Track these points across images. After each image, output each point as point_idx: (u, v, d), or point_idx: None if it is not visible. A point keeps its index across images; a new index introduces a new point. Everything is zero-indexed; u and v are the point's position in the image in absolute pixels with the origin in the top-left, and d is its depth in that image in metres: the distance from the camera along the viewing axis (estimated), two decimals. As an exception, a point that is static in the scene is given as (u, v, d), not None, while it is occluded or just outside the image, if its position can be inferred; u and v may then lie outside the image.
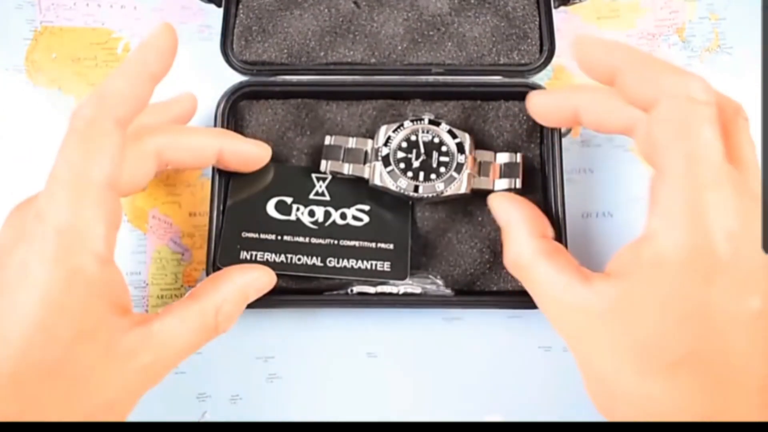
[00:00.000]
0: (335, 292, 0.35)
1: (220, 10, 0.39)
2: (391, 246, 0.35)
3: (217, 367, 0.36)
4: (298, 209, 0.35)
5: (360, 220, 0.35)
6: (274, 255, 0.34)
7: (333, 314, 0.37)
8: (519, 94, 0.38)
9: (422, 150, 0.35)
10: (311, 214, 0.35)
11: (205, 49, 0.40)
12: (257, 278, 0.31)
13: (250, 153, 0.34)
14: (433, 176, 0.35)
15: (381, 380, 0.36)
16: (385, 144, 0.35)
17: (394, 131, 0.35)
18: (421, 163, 0.35)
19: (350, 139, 0.36)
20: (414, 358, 0.36)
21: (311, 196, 0.35)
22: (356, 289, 0.35)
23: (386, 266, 0.34)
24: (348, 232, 0.35)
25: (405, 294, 0.35)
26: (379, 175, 0.35)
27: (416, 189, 0.34)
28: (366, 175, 0.35)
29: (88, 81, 0.40)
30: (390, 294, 0.35)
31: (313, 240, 0.34)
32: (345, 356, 0.36)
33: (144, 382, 0.26)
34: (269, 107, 0.38)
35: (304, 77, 0.38)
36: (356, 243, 0.35)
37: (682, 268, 0.21)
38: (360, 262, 0.34)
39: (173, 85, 0.40)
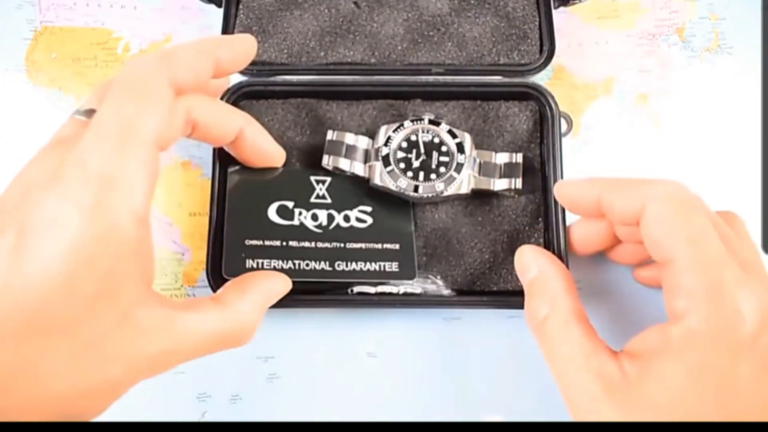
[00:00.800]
0: (335, 292, 0.35)
1: (220, 11, 0.39)
2: (397, 246, 0.35)
3: (217, 367, 0.36)
4: (300, 213, 0.35)
5: (363, 221, 0.35)
6: (281, 262, 0.34)
7: (333, 314, 0.37)
8: (519, 94, 0.38)
9: (422, 150, 0.35)
10: (314, 217, 0.35)
11: (205, 49, 0.40)
12: (281, 286, 0.31)
13: (267, 149, 0.33)
14: (433, 176, 0.35)
15: (381, 380, 0.36)
16: (386, 144, 0.35)
17: (394, 131, 0.35)
18: (421, 163, 0.35)
19: (351, 135, 0.36)
20: (414, 358, 0.36)
21: (312, 200, 0.35)
22: (356, 289, 0.35)
23: (394, 266, 0.34)
24: (353, 234, 0.35)
25: (405, 294, 0.35)
26: (379, 175, 0.35)
27: (416, 189, 0.34)
28: (366, 175, 0.35)
29: (88, 81, 0.40)
30: (390, 294, 0.35)
31: (319, 244, 0.34)
32: (345, 356, 0.36)
33: (150, 367, 0.25)
34: (269, 107, 0.38)
35: (304, 77, 0.38)
36: (362, 245, 0.35)
37: (712, 343, 0.22)
38: (368, 264, 0.34)
39: (173, 85, 0.40)
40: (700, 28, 0.41)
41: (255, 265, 0.34)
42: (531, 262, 0.28)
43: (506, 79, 0.38)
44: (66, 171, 0.22)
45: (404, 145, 0.35)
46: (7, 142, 0.39)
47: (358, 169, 0.35)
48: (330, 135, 0.36)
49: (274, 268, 0.34)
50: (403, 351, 0.37)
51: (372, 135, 0.36)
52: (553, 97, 0.37)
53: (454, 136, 0.35)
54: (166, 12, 0.41)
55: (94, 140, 0.22)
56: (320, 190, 0.35)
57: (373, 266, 0.34)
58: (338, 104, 0.38)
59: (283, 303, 0.35)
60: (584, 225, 0.32)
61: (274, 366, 0.36)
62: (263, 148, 0.33)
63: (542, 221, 0.36)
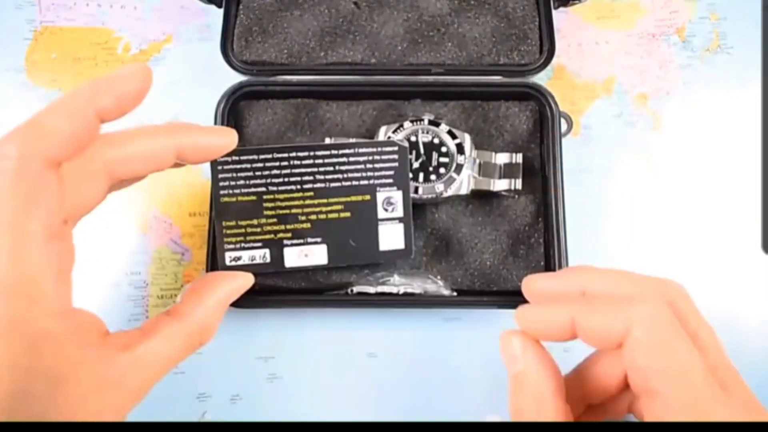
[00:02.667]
0: (335, 292, 0.35)
1: (220, 11, 0.39)
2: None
3: (217, 367, 0.36)
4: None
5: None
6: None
7: (333, 314, 0.37)
8: (519, 94, 0.38)
9: (422, 151, 0.35)
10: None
11: (205, 49, 0.40)
12: (240, 286, 0.29)
13: (212, 144, 0.28)
14: (432, 177, 0.35)
15: (381, 380, 0.36)
16: (385, 144, 0.35)
17: (394, 132, 0.35)
18: (421, 164, 0.35)
19: (350, 140, 0.36)
20: (414, 358, 0.36)
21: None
22: (356, 289, 0.35)
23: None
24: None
25: (405, 294, 0.35)
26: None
27: (416, 190, 0.34)
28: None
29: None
30: (390, 294, 0.35)
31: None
32: (345, 356, 0.36)
33: (131, 401, 0.25)
34: (269, 107, 0.38)
35: (304, 77, 0.38)
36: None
37: None
38: None
39: (173, 86, 0.40)
40: (700, 28, 0.41)
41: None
42: (517, 354, 0.24)
43: (506, 79, 0.38)
44: None
45: (404, 145, 0.35)
46: (7, 142, 0.39)
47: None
48: (328, 141, 0.36)
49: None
50: (403, 351, 0.37)
51: (372, 135, 0.36)
52: (553, 97, 0.37)
53: (453, 136, 0.35)
54: (166, 12, 0.41)
55: None
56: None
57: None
58: (338, 104, 0.38)
59: (283, 303, 0.35)
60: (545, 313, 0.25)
61: (274, 366, 0.36)
62: (210, 147, 0.28)
63: (542, 221, 0.36)
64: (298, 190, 0.32)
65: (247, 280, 0.29)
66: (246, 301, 0.34)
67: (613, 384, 0.24)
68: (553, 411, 0.23)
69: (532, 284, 0.26)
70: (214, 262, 0.34)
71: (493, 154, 0.36)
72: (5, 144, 0.20)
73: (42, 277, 0.21)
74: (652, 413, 0.22)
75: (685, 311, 0.23)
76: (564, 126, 0.38)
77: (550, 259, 0.35)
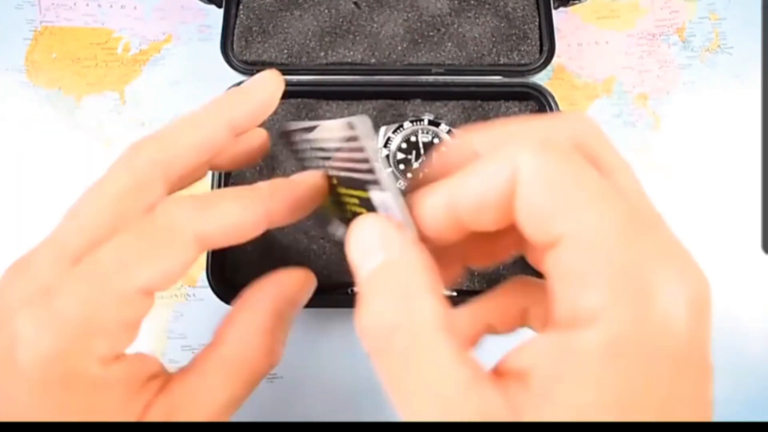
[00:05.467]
0: (335, 292, 0.35)
1: (220, 11, 0.39)
2: None
3: (217, 367, 0.36)
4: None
5: None
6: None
7: (333, 314, 0.37)
8: (519, 94, 0.38)
9: (422, 151, 0.35)
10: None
11: (205, 49, 0.40)
12: (295, 287, 0.24)
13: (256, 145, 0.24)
14: (433, 177, 0.35)
15: (381, 380, 0.36)
16: (385, 145, 0.35)
17: (393, 132, 0.35)
18: (421, 164, 0.35)
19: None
20: (414, 358, 0.36)
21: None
22: (356, 289, 0.35)
23: None
24: None
25: (405, 294, 0.35)
26: (379, 176, 0.35)
27: (416, 189, 0.34)
28: (366, 176, 0.35)
29: (88, 81, 0.40)
30: (390, 294, 0.35)
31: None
32: (345, 356, 0.36)
33: None
34: (269, 107, 0.38)
35: (304, 77, 0.38)
36: None
37: (648, 355, 0.15)
38: None
39: (173, 86, 0.40)
40: (700, 28, 0.41)
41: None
42: (375, 243, 0.18)
43: (506, 79, 0.38)
44: (28, 315, 0.18)
45: (404, 146, 0.35)
46: (7, 141, 0.39)
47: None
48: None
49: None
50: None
51: (372, 135, 0.36)
52: (553, 97, 0.37)
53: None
54: (166, 12, 0.41)
55: (75, 281, 0.18)
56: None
57: None
58: (338, 104, 0.38)
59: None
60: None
61: (274, 366, 0.36)
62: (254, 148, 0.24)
63: (542, 221, 0.36)
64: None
65: (300, 280, 0.23)
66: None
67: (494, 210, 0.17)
68: (432, 316, 0.16)
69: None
70: (215, 263, 0.35)
71: (493, 154, 0.36)
72: (134, 154, 0.19)
73: (110, 324, 0.18)
74: (559, 270, 0.16)
75: (596, 148, 0.18)
76: (564, 126, 0.38)
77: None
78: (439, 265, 0.18)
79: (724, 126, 0.40)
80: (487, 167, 0.16)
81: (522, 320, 0.20)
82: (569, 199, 0.15)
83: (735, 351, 0.36)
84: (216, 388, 0.21)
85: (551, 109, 0.36)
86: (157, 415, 0.19)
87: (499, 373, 0.16)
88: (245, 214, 0.20)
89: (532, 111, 0.38)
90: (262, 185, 0.22)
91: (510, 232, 0.17)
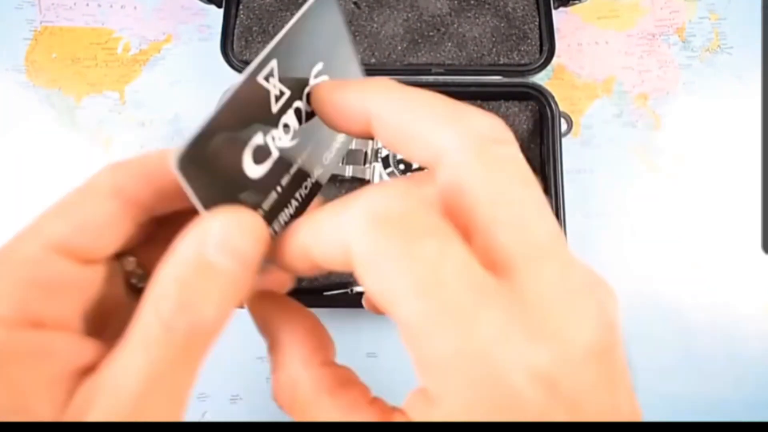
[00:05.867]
0: (335, 292, 0.35)
1: (220, 11, 0.39)
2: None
3: (217, 367, 0.36)
4: (272, 138, 0.21)
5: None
6: (287, 209, 0.22)
7: (333, 314, 0.37)
8: (519, 94, 0.38)
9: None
10: (286, 128, 0.21)
11: (205, 49, 0.40)
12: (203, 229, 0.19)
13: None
14: (433, 176, 0.35)
15: (381, 380, 0.36)
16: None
17: (394, 131, 0.35)
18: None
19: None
20: (414, 358, 0.36)
21: (274, 108, 0.21)
22: (356, 288, 0.35)
23: None
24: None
25: (405, 294, 0.35)
26: (378, 177, 0.35)
27: (416, 189, 0.34)
28: (366, 176, 0.35)
29: (88, 81, 0.40)
30: (390, 294, 0.35)
31: (305, 152, 0.22)
32: (345, 356, 0.36)
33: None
34: (269, 107, 0.38)
35: (304, 77, 0.38)
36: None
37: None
38: None
39: (173, 86, 0.40)
40: (700, 28, 0.41)
41: (275, 230, 0.22)
42: (262, 326, 0.20)
43: (506, 79, 0.38)
44: None
45: (404, 145, 0.35)
46: (7, 141, 0.39)
47: (358, 173, 0.35)
48: None
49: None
50: (403, 351, 0.37)
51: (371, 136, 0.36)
52: (553, 97, 0.37)
53: (454, 136, 0.35)
54: (166, 12, 0.41)
55: None
56: (275, 86, 0.21)
57: None
58: (338, 104, 0.38)
59: (283, 303, 0.35)
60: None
61: (274, 366, 0.36)
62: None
63: (542, 221, 0.36)
64: None
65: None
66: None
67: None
68: (317, 377, 0.18)
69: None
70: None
71: (493, 154, 0.36)
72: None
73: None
74: (412, 353, 0.15)
75: (491, 157, 0.16)
76: (564, 126, 0.38)
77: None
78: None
79: (724, 126, 0.40)
80: (329, 239, 0.16)
81: None
82: (396, 286, 0.14)
83: (735, 351, 0.36)
84: (143, 365, 0.18)
85: (551, 109, 0.36)
86: (77, 405, 0.17)
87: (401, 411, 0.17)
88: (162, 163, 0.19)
89: (532, 111, 0.38)
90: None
91: None
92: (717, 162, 0.39)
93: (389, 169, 0.35)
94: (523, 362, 0.14)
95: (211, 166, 0.20)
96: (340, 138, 0.22)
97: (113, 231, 0.19)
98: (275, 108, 0.21)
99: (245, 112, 0.21)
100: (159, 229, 0.21)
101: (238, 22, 0.38)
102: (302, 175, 0.23)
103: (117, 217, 0.19)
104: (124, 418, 0.17)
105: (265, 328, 0.19)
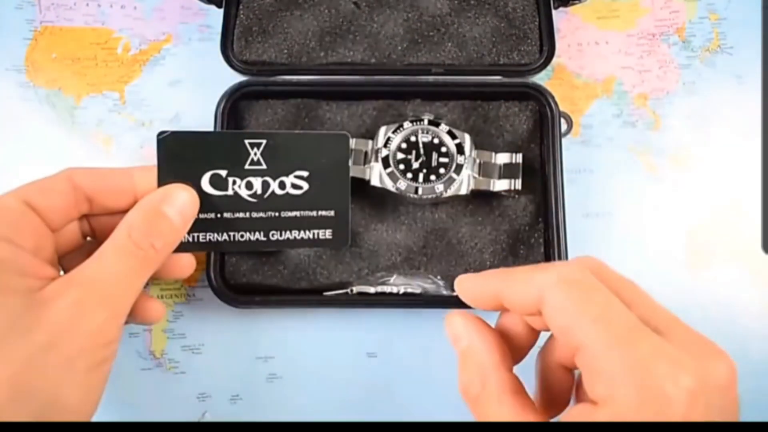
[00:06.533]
0: (335, 292, 0.35)
1: (220, 11, 0.39)
2: (332, 213, 0.33)
3: (217, 367, 0.36)
4: (234, 182, 0.32)
5: (299, 188, 0.33)
6: (216, 234, 0.32)
7: (333, 314, 0.37)
8: (519, 94, 0.38)
9: (422, 151, 0.35)
10: (249, 186, 0.32)
11: (205, 49, 0.40)
12: (168, 191, 0.29)
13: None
14: (432, 177, 0.35)
15: (381, 380, 0.36)
16: (385, 145, 0.35)
17: (393, 132, 0.35)
18: (421, 164, 0.35)
19: (350, 140, 0.36)
20: (414, 358, 0.36)
21: (247, 166, 0.32)
22: (356, 289, 0.35)
23: (328, 234, 0.34)
24: (288, 202, 0.33)
25: (405, 294, 0.35)
26: (378, 177, 0.35)
27: (416, 191, 0.34)
28: (366, 176, 0.35)
29: (88, 81, 0.40)
30: (390, 294, 0.35)
31: (254, 214, 0.32)
32: (345, 356, 0.36)
33: (85, 323, 0.25)
34: (269, 107, 0.38)
35: (304, 77, 0.38)
36: (297, 213, 0.33)
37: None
38: (302, 232, 0.33)
39: (173, 86, 0.40)
40: (700, 28, 0.41)
41: (191, 239, 0.32)
42: (461, 332, 0.26)
43: (506, 79, 0.38)
44: None
45: (404, 146, 0.35)
46: (7, 141, 0.39)
47: (357, 173, 0.35)
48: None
49: (209, 241, 0.32)
50: (403, 351, 0.37)
51: (372, 135, 0.36)
52: (553, 97, 0.37)
53: (453, 136, 0.35)
54: (166, 12, 0.41)
55: None
56: (255, 154, 0.32)
57: (307, 234, 0.33)
58: (338, 104, 0.38)
59: (283, 303, 0.35)
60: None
61: (274, 366, 0.36)
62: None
63: (542, 221, 0.36)
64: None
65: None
66: (246, 301, 0.35)
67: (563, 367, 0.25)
68: (498, 381, 0.24)
69: (461, 284, 0.28)
70: (215, 262, 0.35)
71: (493, 154, 0.36)
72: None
73: None
74: (584, 369, 0.21)
75: (604, 275, 0.23)
76: (564, 126, 0.38)
77: (550, 259, 0.35)
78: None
79: (724, 126, 0.40)
80: (523, 284, 0.23)
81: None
82: (580, 320, 0.21)
83: (735, 351, 0.36)
84: (114, 268, 0.26)
85: (551, 109, 0.36)
86: (46, 296, 0.25)
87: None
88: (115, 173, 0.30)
89: (532, 111, 0.38)
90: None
91: None
92: (717, 162, 0.39)
93: (389, 169, 0.35)
94: (673, 374, 0.20)
95: (180, 157, 0.31)
96: None
97: (63, 199, 0.28)
98: (246, 166, 0.32)
99: (224, 150, 0.32)
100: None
101: (238, 22, 0.38)
102: (236, 225, 0.32)
103: (67, 192, 0.29)
104: (90, 305, 0.25)
105: (461, 337, 0.26)
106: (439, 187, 0.34)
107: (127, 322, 0.28)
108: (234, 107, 0.37)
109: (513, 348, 0.26)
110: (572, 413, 0.22)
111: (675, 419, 0.19)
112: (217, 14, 0.39)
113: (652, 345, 0.20)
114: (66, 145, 0.39)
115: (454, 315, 0.26)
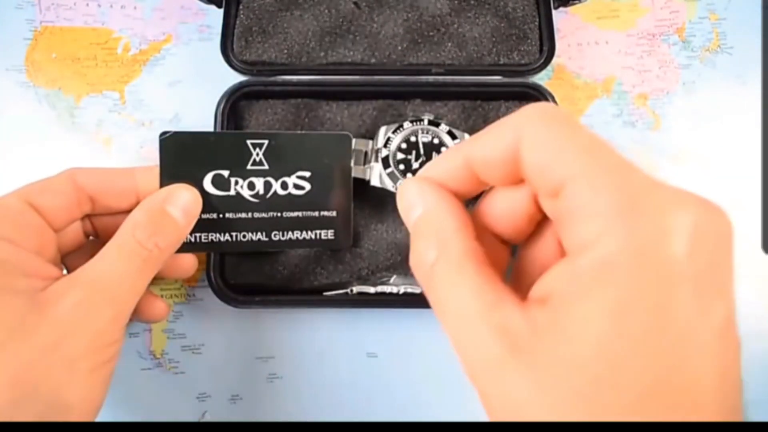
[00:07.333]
0: (335, 292, 0.35)
1: (220, 11, 0.39)
2: (334, 213, 0.34)
3: (217, 367, 0.36)
4: (236, 183, 0.32)
5: (301, 188, 0.33)
6: (218, 235, 0.33)
7: (333, 314, 0.37)
8: (519, 94, 0.38)
9: (422, 151, 0.35)
10: (251, 186, 0.32)
11: (205, 49, 0.40)
12: (171, 191, 0.29)
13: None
14: (432, 177, 0.35)
15: (381, 380, 0.36)
16: (385, 145, 0.35)
17: (393, 132, 0.35)
18: (421, 164, 0.35)
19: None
20: (414, 358, 0.36)
21: (249, 167, 0.32)
22: (356, 289, 0.35)
23: (330, 234, 0.34)
24: (290, 202, 0.33)
25: (405, 294, 0.35)
26: (378, 177, 0.35)
27: (416, 189, 0.34)
28: (366, 176, 0.35)
29: (88, 81, 0.40)
30: (390, 294, 0.35)
31: (256, 215, 0.33)
32: (345, 356, 0.36)
33: (88, 323, 0.25)
34: (269, 107, 0.38)
35: (304, 77, 0.38)
36: (299, 213, 0.33)
37: (636, 270, 0.16)
38: (304, 232, 0.34)
39: (173, 86, 0.40)
40: (700, 28, 0.41)
41: (193, 240, 0.32)
42: (415, 199, 0.22)
43: (506, 79, 0.38)
44: None
45: (404, 146, 0.35)
46: (7, 141, 0.39)
47: (357, 173, 0.35)
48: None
49: (211, 242, 0.32)
50: (403, 351, 0.37)
51: (372, 135, 0.36)
52: (553, 97, 0.37)
53: (453, 137, 0.35)
54: (166, 12, 0.41)
55: None
56: (257, 155, 0.33)
57: (309, 234, 0.34)
58: (338, 104, 0.38)
59: (283, 303, 0.35)
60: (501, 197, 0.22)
61: (274, 366, 0.36)
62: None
63: (542, 221, 0.36)
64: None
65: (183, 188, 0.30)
66: (246, 301, 0.35)
67: (520, 213, 0.21)
68: (458, 245, 0.20)
69: (417, 177, 0.23)
70: (215, 262, 0.35)
71: (493, 154, 0.36)
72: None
73: None
74: (565, 212, 0.18)
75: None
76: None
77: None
78: (485, 246, 0.21)
79: (724, 126, 0.40)
80: (496, 132, 0.20)
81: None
82: (565, 150, 0.18)
83: (735, 351, 0.36)
84: (117, 268, 0.26)
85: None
86: (48, 296, 0.25)
87: (529, 300, 0.19)
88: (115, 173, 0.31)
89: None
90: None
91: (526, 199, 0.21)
92: (717, 162, 0.39)
93: (389, 169, 0.35)
94: (673, 208, 0.17)
95: (182, 157, 0.31)
96: None
97: (66, 199, 0.29)
98: (249, 166, 0.32)
99: (226, 151, 0.32)
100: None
101: (238, 22, 0.38)
102: (238, 225, 0.32)
103: (68, 193, 0.29)
104: (94, 305, 0.25)
105: (417, 201, 0.22)
106: (439, 187, 0.34)
107: (130, 321, 0.28)
108: (234, 107, 0.37)
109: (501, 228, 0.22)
110: (552, 273, 0.18)
111: (674, 261, 0.16)
112: (217, 14, 0.39)
113: (647, 179, 0.18)
114: (66, 145, 0.39)
115: (407, 181, 0.23)
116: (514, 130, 0.19)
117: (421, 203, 0.22)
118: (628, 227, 0.17)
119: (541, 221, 0.22)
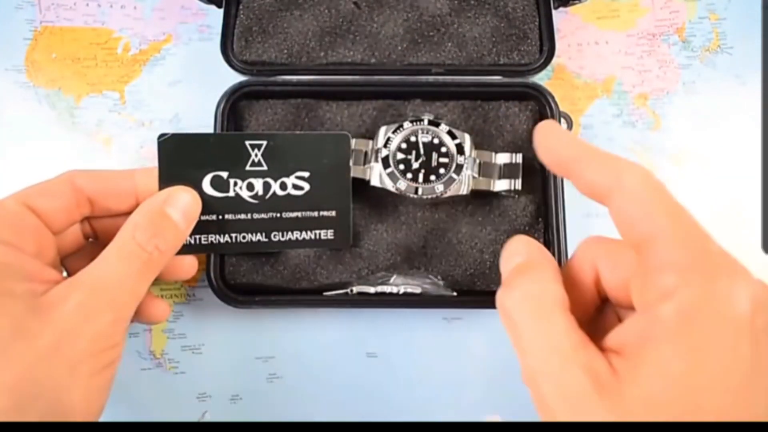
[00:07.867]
0: (335, 292, 0.35)
1: (220, 11, 0.39)
2: (334, 213, 0.34)
3: (217, 367, 0.36)
4: (235, 184, 0.32)
5: (300, 188, 0.33)
6: (218, 236, 0.33)
7: (333, 314, 0.37)
8: (519, 94, 0.38)
9: (422, 151, 0.35)
10: (250, 187, 0.33)
11: (205, 49, 0.40)
12: (171, 193, 0.29)
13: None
14: (432, 177, 0.35)
15: (381, 380, 0.36)
16: (385, 145, 0.35)
17: (393, 132, 0.35)
18: (421, 164, 0.35)
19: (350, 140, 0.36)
20: (414, 358, 0.36)
21: (248, 168, 0.32)
22: (356, 289, 0.35)
23: (329, 234, 0.34)
24: (289, 203, 0.33)
25: (405, 294, 0.35)
26: (378, 177, 0.35)
27: (416, 191, 0.34)
28: (366, 176, 0.35)
29: (88, 81, 0.40)
30: (390, 294, 0.35)
31: (255, 216, 0.33)
32: (345, 356, 0.37)
33: (88, 325, 0.25)
34: (269, 107, 0.38)
35: (304, 77, 0.38)
36: (299, 214, 0.33)
37: (713, 317, 0.19)
38: (304, 232, 0.34)
39: (173, 86, 0.40)
40: (700, 28, 0.41)
41: (193, 242, 0.32)
42: (521, 249, 0.25)
43: (506, 79, 0.38)
44: None
45: (404, 146, 0.35)
46: (7, 141, 0.39)
47: (357, 173, 0.35)
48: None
49: (211, 243, 0.33)
50: (403, 351, 0.37)
51: (372, 135, 0.36)
52: (553, 97, 0.37)
53: (453, 137, 0.35)
54: (166, 12, 0.41)
55: None
56: (256, 156, 0.33)
57: (309, 235, 0.34)
58: (338, 104, 0.38)
59: (283, 303, 0.35)
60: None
61: (274, 366, 0.36)
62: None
63: (542, 221, 0.36)
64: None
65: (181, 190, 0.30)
66: (246, 301, 0.35)
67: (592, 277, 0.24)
68: (558, 291, 0.22)
69: (544, 127, 0.25)
70: (215, 262, 0.35)
71: (493, 154, 0.36)
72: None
73: None
74: (648, 264, 0.21)
75: None
76: (564, 126, 0.38)
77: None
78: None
79: (724, 126, 0.40)
80: (602, 164, 0.23)
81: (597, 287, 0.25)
82: (655, 209, 0.21)
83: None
84: (115, 270, 0.26)
85: (551, 109, 0.36)
86: (54, 294, 0.25)
87: (605, 350, 0.21)
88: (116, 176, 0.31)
89: (532, 111, 0.38)
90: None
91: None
92: (717, 162, 0.39)
93: (389, 169, 0.35)
94: (742, 279, 0.21)
95: (181, 159, 0.31)
96: None
97: (64, 202, 0.28)
98: (247, 167, 0.32)
99: (225, 152, 0.32)
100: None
101: (238, 22, 0.38)
102: (238, 226, 0.32)
103: (67, 196, 0.29)
104: (95, 308, 0.25)
105: (522, 250, 0.25)
106: (439, 187, 0.34)
107: (132, 321, 0.28)
108: (234, 107, 0.37)
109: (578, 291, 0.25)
110: (626, 326, 0.21)
111: (742, 317, 0.20)
112: (217, 14, 0.39)
113: (721, 249, 0.21)
114: (66, 145, 0.39)
115: (517, 236, 0.25)
116: (618, 173, 0.22)
117: (525, 252, 0.24)
118: (705, 281, 0.20)
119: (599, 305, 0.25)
